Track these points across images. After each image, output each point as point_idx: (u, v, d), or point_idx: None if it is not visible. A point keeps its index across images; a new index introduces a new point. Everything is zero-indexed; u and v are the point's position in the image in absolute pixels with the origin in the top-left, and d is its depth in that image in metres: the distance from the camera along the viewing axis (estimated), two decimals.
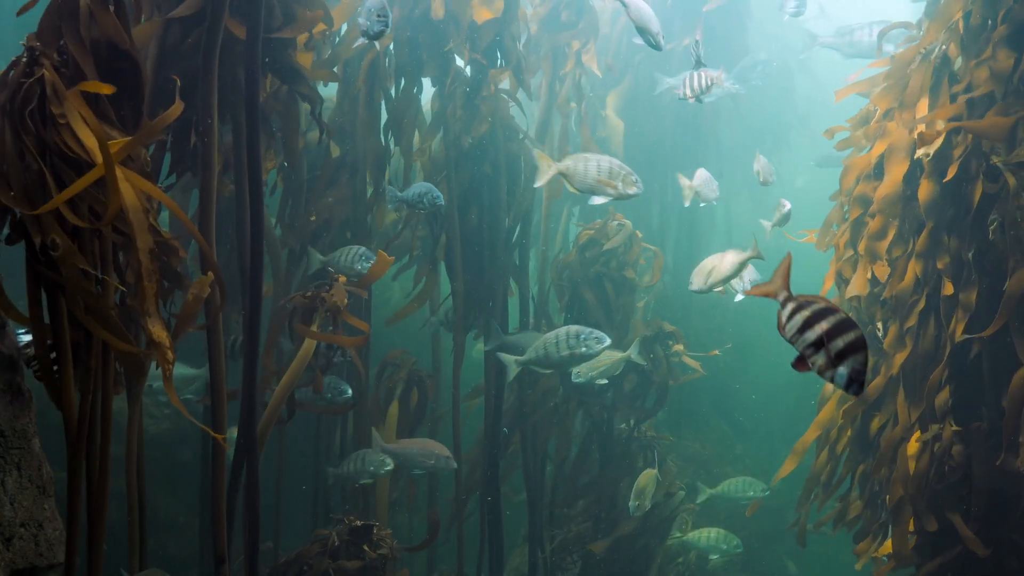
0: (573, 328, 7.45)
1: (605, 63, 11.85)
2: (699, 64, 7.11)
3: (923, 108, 6.57)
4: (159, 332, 4.22)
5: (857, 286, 6.97)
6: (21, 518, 4.18)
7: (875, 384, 6.91)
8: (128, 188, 4.09)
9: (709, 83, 7.05)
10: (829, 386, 7.52)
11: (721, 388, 13.31)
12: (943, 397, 6.44)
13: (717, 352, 10.06)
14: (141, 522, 5.31)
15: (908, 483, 6.51)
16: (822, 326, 3.32)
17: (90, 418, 4.40)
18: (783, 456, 7.74)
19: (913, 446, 6.53)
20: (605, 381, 8.35)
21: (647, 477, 8.24)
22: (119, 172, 4.03)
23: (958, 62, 6.52)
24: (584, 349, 7.35)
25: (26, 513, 4.20)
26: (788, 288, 3.46)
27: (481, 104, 8.50)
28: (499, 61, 8.58)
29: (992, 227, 6.23)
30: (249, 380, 5.85)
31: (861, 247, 6.96)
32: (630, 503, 8.03)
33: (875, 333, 7.14)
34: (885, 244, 6.79)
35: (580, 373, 8.07)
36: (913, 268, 6.62)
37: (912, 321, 6.63)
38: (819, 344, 3.33)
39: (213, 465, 5.55)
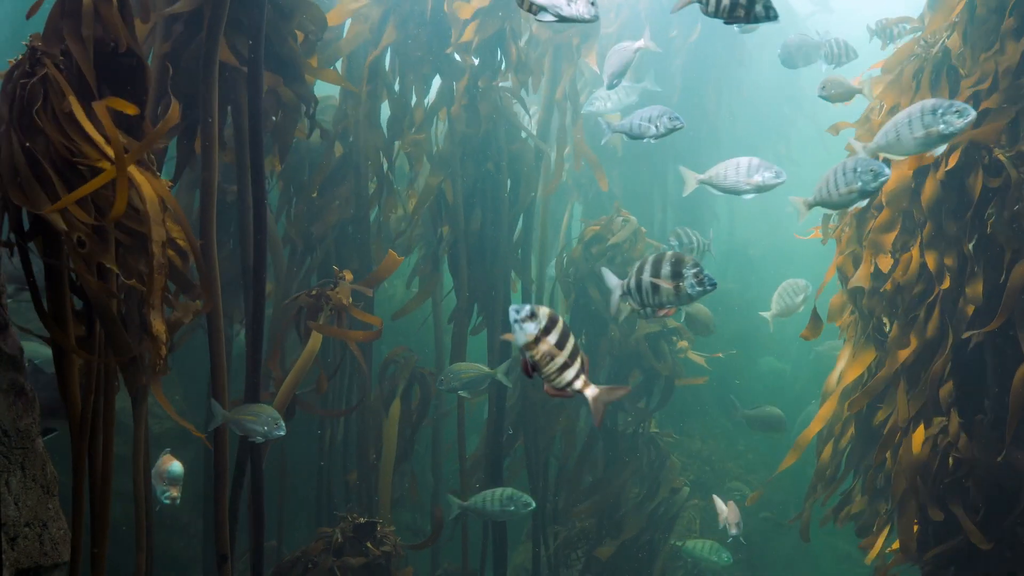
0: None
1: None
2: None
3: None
4: (159, 326, 4.25)
5: (860, 278, 6.96)
6: (26, 518, 4.15)
7: (879, 376, 6.89)
8: (145, 183, 4.10)
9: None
10: (833, 380, 7.48)
11: (724, 384, 13.26)
12: (947, 389, 6.42)
13: (720, 355, 10.05)
14: (148, 521, 5.30)
15: (912, 475, 6.49)
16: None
17: (93, 413, 4.41)
18: (785, 450, 7.73)
19: (918, 438, 6.51)
20: (468, 397, 8.29)
21: None
22: (134, 170, 4.05)
23: (960, 55, 6.50)
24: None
25: (30, 513, 4.18)
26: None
27: (481, 102, 8.47)
28: (499, 57, 8.55)
29: (990, 220, 6.22)
30: (252, 380, 5.85)
31: (866, 240, 6.94)
32: None
33: (880, 327, 7.12)
34: (891, 237, 6.76)
35: (443, 382, 7.98)
36: (917, 260, 6.61)
37: (917, 313, 6.62)
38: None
39: (216, 463, 5.55)
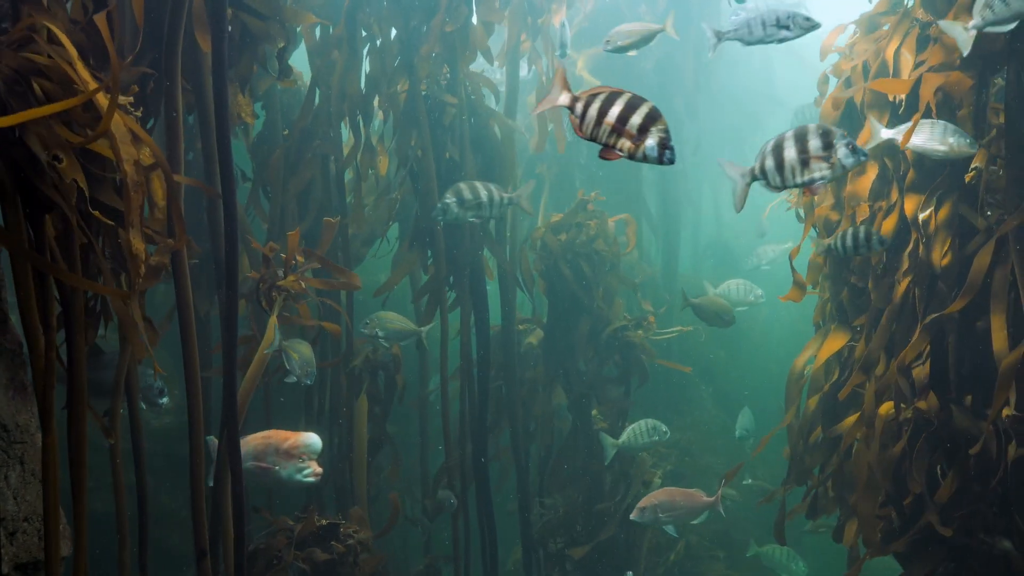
0: None
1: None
2: None
3: (890, 56, 6.54)
4: (138, 244, 4.26)
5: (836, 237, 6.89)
6: (25, 513, 4.15)
7: (855, 368, 6.85)
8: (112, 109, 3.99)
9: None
10: (798, 365, 7.41)
11: (713, 375, 13.27)
12: (922, 372, 6.33)
13: (690, 328, 10.09)
14: (144, 515, 5.25)
15: (876, 465, 6.47)
16: (616, 109, 3.38)
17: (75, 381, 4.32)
18: (778, 443, 7.69)
19: (881, 422, 6.48)
20: (387, 346, 8.31)
21: None
22: (101, 96, 4.06)
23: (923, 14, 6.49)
24: None
25: (29, 508, 4.18)
26: (569, 90, 3.51)
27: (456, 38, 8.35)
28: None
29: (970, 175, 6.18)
30: (229, 365, 5.75)
31: (844, 192, 6.86)
32: None
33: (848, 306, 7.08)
34: (868, 180, 6.65)
35: (369, 324, 8.11)
36: (896, 216, 6.48)
37: (888, 280, 6.56)
38: (619, 129, 3.39)
39: (191, 457, 5.38)
